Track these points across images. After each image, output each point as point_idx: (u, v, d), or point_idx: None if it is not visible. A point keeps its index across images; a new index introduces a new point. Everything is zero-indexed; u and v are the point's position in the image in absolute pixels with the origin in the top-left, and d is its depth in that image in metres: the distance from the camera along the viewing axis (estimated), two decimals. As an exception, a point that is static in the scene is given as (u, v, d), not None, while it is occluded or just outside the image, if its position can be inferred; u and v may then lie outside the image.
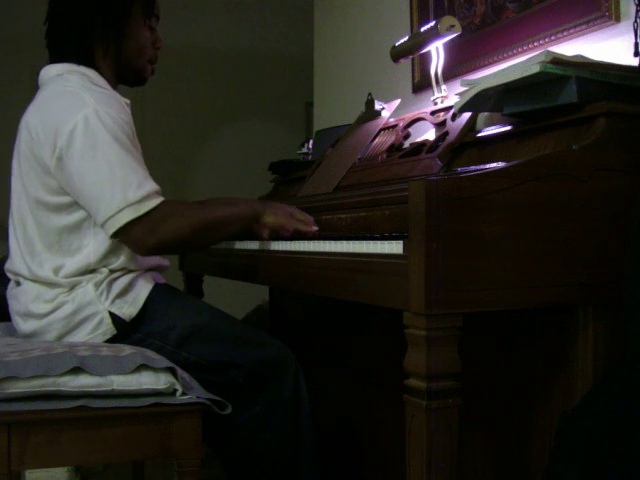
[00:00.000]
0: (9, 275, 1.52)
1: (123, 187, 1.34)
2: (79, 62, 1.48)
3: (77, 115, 1.36)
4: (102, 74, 1.50)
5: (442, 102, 1.80)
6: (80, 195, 1.39)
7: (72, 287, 1.42)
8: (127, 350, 1.30)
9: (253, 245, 1.66)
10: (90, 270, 1.43)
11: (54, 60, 1.51)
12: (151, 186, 1.38)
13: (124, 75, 1.58)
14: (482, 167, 1.24)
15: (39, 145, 1.40)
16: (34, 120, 1.42)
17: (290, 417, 1.46)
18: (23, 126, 1.46)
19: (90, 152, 1.35)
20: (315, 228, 1.48)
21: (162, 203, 1.38)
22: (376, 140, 1.90)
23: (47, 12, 1.53)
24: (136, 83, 1.62)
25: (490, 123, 1.54)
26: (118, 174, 1.35)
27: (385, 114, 1.95)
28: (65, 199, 1.41)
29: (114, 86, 1.55)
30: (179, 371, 1.29)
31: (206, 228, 1.43)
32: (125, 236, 1.38)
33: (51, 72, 1.49)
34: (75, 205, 1.41)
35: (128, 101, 1.54)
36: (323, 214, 1.54)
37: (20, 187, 1.47)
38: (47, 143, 1.38)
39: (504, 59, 1.89)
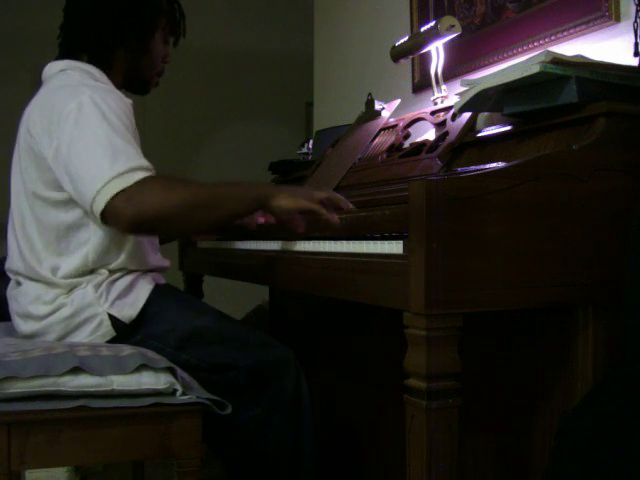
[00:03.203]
0: (9, 274, 1.52)
1: (110, 162, 1.29)
2: (92, 62, 1.49)
3: (72, 103, 1.35)
4: (111, 77, 1.51)
5: (442, 102, 1.80)
6: (71, 181, 1.34)
7: (71, 289, 1.42)
8: (127, 350, 1.30)
9: (253, 245, 1.66)
10: (89, 271, 1.43)
11: (61, 57, 1.51)
12: (140, 161, 1.31)
13: (130, 82, 1.59)
14: (482, 167, 1.24)
15: (38, 138, 1.39)
16: (33, 116, 1.42)
17: (291, 417, 1.45)
18: (23, 123, 1.46)
19: (80, 134, 1.32)
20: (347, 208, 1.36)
21: (149, 176, 1.30)
22: (376, 140, 1.90)
23: (66, 10, 1.53)
24: (139, 92, 1.63)
25: (490, 123, 1.54)
26: (106, 151, 1.30)
27: (385, 114, 1.94)
28: (62, 195, 1.40)
29: (118, 88, 1.54)
30: (179, 371, 1.29)
31: (194, 203, 1.31)
32: (109, 211, 1.28)
33: (55, 68, 1.49)
34: (72, 202, 1.40)
35: (130, 101, 1.54)
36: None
37: (20, 184, 1.47)
38: (45, 134, 1.38)
39: (504, 59, 1.89)
